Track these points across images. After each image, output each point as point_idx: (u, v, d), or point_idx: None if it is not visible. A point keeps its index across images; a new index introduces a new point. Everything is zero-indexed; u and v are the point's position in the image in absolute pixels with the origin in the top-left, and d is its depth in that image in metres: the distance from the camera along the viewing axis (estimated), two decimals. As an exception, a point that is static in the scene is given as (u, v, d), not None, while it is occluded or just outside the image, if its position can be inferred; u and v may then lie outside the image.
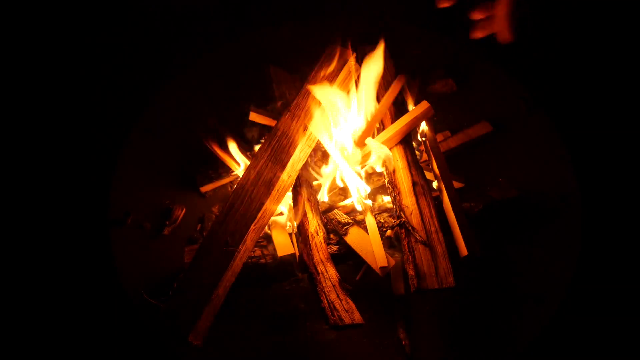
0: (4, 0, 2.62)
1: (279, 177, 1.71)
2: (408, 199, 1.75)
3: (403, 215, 1.71)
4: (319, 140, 1.93)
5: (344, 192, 2.05)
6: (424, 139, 2.02)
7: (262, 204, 1.66)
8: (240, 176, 1.77)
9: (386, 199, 2.03)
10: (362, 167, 1.94)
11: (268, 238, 1.85)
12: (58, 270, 1.97)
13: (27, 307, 1.91)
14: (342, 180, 1.93)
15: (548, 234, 1.94)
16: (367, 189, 1.88)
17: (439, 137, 2.19)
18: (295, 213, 1.84)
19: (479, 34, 1.57)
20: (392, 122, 1.94)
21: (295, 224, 1.85)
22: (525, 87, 2.33)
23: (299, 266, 1.77)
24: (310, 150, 1.89)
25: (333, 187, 2.01)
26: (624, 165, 2.15)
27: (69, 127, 2.37)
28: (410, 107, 2.03)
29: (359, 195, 1.86)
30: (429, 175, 1.92)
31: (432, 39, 2.52)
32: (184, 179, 2.16)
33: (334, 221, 1.85)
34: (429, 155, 1.99)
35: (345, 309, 1.58)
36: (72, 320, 1.87)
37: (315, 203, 1.90)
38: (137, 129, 2.30)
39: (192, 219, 2.06)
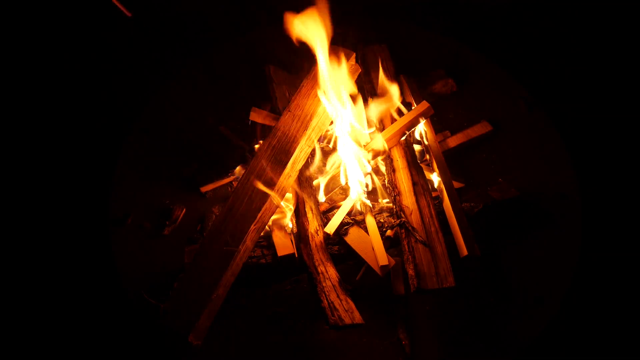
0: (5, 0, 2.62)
1: (279, 177, 1.71)
2: (408, 199, 1.75)
3: (403, 215, 1.71)
4: (318, 140, 1.93)
5: (344, 192, 2.05)
6: (424, 139, 2.03)
7: (262, 203, 1.66)
8: (240, 176, 1.77)
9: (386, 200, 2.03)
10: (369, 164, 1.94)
11: (268, 238, 1.85)
12: (59, 270, 1.97)
13: (28, 307, 1.91)
14: (346, 178, 1.92)
15: (548, 234, 1.94)
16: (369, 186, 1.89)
17: (439, 137, 2.19)
18: (296, 213, 1.84)
19: None
20: (392, 122, 1.94)
21: (295, 224, 1.85)
22: (525, 87, 2.33)
23: (299, 266, 1.77)
24: (310, 150, 1.89)
25: (333, 187, 2.01)
26: (624, 164, 2.15)
27: (69, 128, 2.37)
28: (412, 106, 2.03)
29: (361, 192, 1.87)
30: (428, 175, 1.92)
31: (432, 39, 2.53)
32: (184, 179, 2.16)
33: (334, 221, 1.86)
34: (429, 156, 1.99)
35: (345, 309, 1.58)
36: (73, 319, 1.87)
37: (315, 203, 1.90)
38: (137, 129, 2.30)
39: (192, 219, 2.06)
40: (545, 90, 2.34)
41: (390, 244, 1.81)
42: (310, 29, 1.72)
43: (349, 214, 1.89)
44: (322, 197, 1.97)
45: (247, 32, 2.57)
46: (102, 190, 2.12)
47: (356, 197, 1.89)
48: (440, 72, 2.40)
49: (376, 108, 2.02)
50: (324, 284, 1.64)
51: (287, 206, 1.90)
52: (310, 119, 1.82)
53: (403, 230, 1.68)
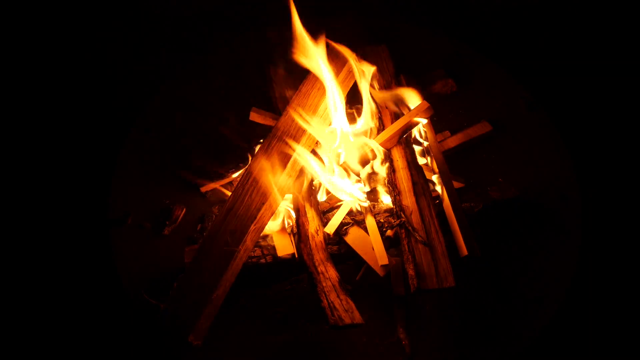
0: None
1: (279, 177, 1.71)
2: (408, 199, 1.75)
3: (403, 215, 1.71)
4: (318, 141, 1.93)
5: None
6: (424, 139, 2.03)
7: (262, 204, 1.66)
8: (240, 176, 1.77)
9: (386, 200, 2.03)
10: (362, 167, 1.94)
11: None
12: (58, 270, 1.97)
13: (27, 307, 1.91)
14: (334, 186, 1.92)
15: (548, 234, 1.94)
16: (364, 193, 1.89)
17: (439, 137, 2.18)
18: (296, 213, 1.84)
19: None
20: (392, 122, 1.94)
21: (295, 224, 1.84)
22: (525, 87, 2.33)
23: (299, 266, 1.77)
24: (310, 149, 1.89)
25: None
26: (624, 164, 2.15)
27: (69, 127, 2.37)
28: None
29: (355, 198, 1.87)
30: (429, 175, 1.92)
31: (432, 39, 2.53)
32: (184, 179, 2.15)
33: (334, 221, 1.86)
34: (429, 156, 1.99)
35: (345, 309, 1.58)
36: (72, 320, 1.87)
37: (315, 203, 1.90)
38: (137, 129, 2.30)
39: (192, 219, 2.06)
40: (545, 90, 2.34)
41: (390, 244, 1.81)
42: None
43: (349, 214, 1.89)
44: (322, 197, 1.97)
45: (247, 31, 2.57)
46: (102, 190, 2.12)
47: (356, 198, 1.89)
48: (440, 72, 2.40)
49: (376, 108, 2.02)
50: (324, 284, 1.64)
51: (288, 206, 1.90)
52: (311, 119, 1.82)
53: (403, 230, 1.68)
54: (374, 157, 1.92)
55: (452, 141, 2.18)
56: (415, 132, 2.05)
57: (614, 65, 2.44)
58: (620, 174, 2.12)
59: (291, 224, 1.87)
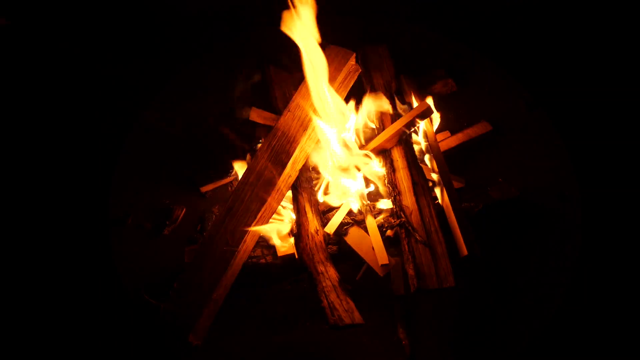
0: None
1: (279, 177, 1.71)
2: (408, 199, 1.75)
3: (403, 215, 1.71)
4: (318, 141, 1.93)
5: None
6: (424, 139, 2.03)
7: (263, 203, 1.66)
8: (240, 176, 1.77)
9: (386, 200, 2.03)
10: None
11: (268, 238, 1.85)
12: (59, 270, 1.97)
13: (28, 307, 1.91)
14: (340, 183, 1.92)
15: (548, 234, 1.94)
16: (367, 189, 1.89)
17: (439, 137, 2.18)
18: (296, 213, 1.84)
19: None
20: (392, 122, 1.94)
21: (295, 224, 1.84)
22: (525, 87, 2.33)
23: (299, 266, 1.77)
24: (310, 150, 1.89)
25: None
26: (624, 164, 2.15)
27: (69, 128, 2.37)
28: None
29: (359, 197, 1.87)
30: (429, 175, 1.92)
31: (432, 39, 2.53)
32: (184, 179, 2.16)
33: (334, 221, 1.86)
34: (429, 155, 1.99)
35: (345, 309, 1.58)
36: (73, 320, 1.87)
37: (315, 203, 1.90)
38: (137, 129, 2.30)
39: (192, 219, 2.06)
40: (545, 90, 2.33)
41: (390, 244, 1.81)
42: (304, 30, 1.71)
43: (349, 214, 1.89)
44: (322, 197, 1.97)
45: (247, 32, 2.57)
46: (103, 190, 2.12)
47: (356, 198, 1.89)
48: (440, 72, 2.40)
49: (376, 108, 2.02)
50: (324, 284, 1.64)
51: (287, 206, 1.90)
52: (311, 119, 1.82)
53: (403, 230, 1.68)
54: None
55: (452, 141, 2.18)
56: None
57: (613, 65, 2.44)
58: (620, 174, 2.12)
59: (291, 224, 1.87)
